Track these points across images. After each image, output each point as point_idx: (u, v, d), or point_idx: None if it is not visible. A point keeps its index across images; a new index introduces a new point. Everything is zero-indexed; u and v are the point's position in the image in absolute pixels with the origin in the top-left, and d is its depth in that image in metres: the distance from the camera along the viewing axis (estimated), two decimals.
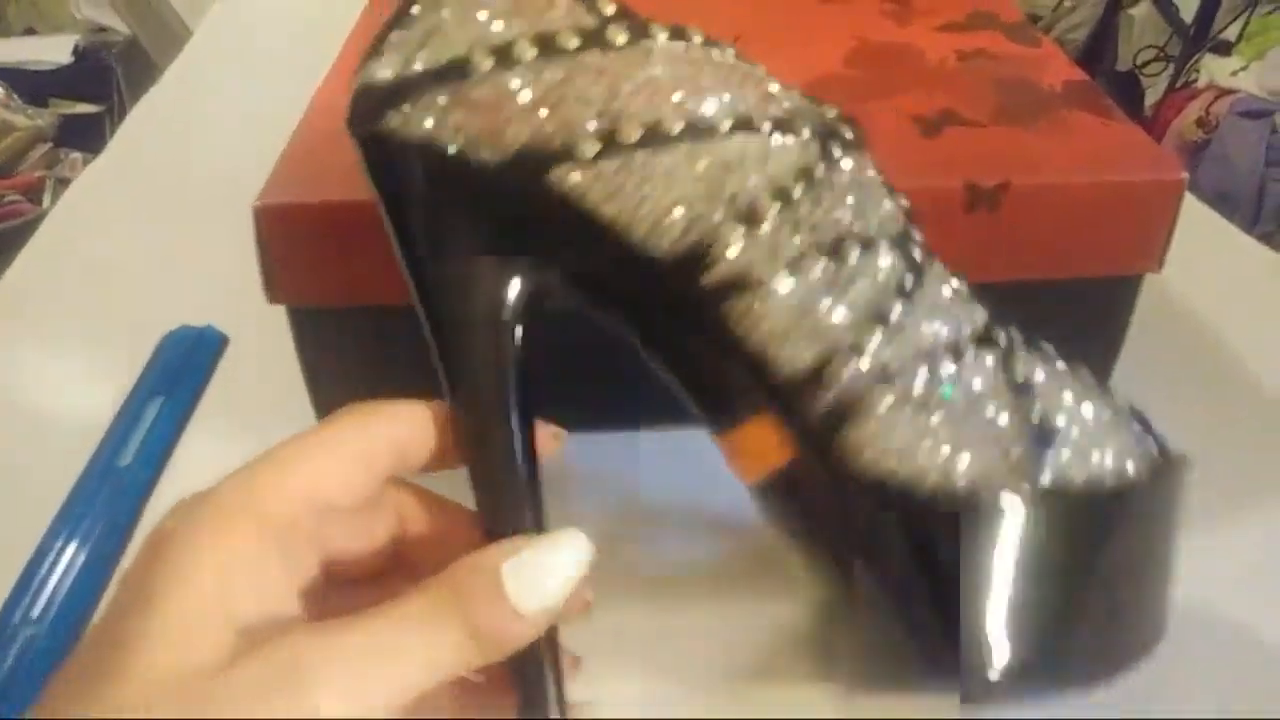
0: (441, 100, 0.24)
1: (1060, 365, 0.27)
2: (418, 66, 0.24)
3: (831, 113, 0.26)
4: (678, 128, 0.24)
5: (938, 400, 0.24)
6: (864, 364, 0.24)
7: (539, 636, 0.22)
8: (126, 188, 0.58)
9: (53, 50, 1.65)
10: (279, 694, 0.18)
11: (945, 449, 0.24)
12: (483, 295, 0.24)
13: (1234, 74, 1.25)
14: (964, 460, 0.24)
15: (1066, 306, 0.37)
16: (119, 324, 0.47)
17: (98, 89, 1.63)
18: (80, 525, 0.37)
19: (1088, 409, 0.26)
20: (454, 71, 0.24)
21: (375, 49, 0.24)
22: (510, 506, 0.24)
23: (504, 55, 0.24)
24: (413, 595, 0.20)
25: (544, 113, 0.24)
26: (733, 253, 0.24)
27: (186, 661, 0.19)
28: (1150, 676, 0.28)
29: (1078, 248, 0.36)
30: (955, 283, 0.27)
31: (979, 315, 0.26)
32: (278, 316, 0.37)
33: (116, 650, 0.19)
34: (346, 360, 0.37)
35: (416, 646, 0.20)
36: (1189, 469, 0.27)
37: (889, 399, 0.24)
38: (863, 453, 0.24)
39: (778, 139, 0.25)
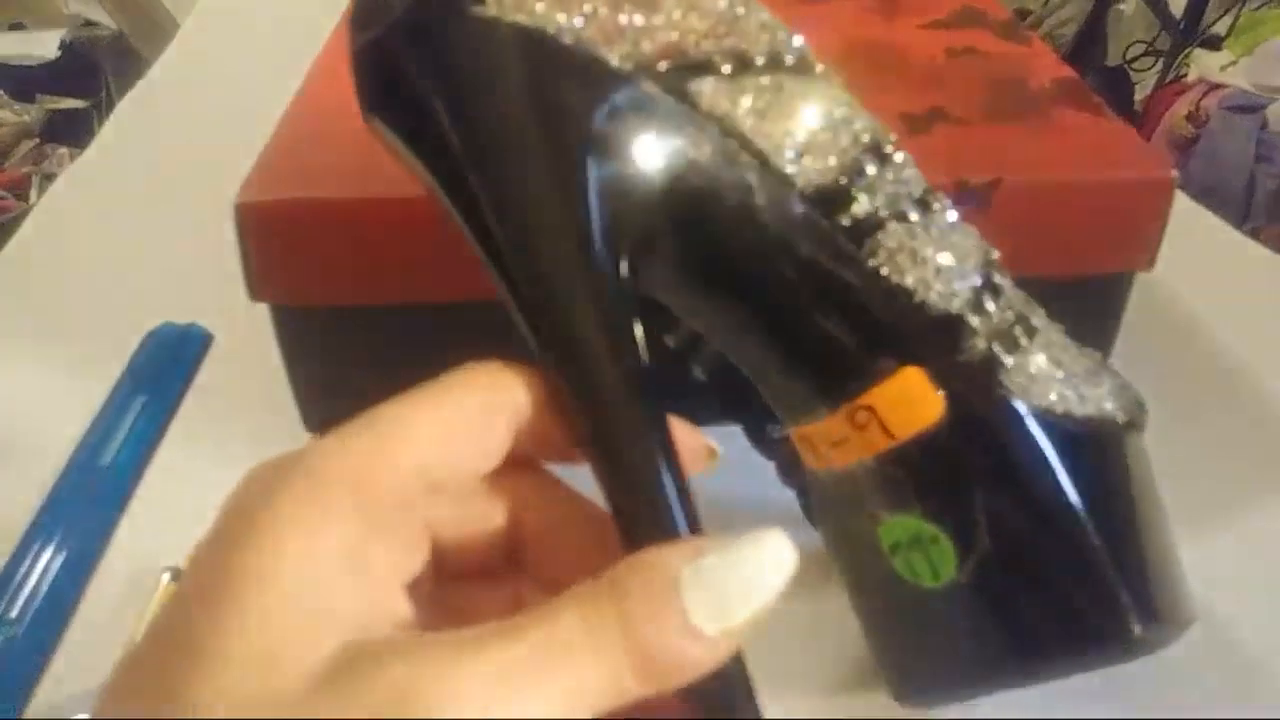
0: None
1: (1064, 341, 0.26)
2: None
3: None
4: (809, 55, 0.23)
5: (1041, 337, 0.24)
6: (985, 320, 0.23)
7: (727, 660, 0.17)
8: (112, 184, 0.58)
9: (40, 45, 1.64)
10: None
11: (1088, 385, 0.24)
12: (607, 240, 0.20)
13: (1223, 69, 1.25)
14: (1104, 396, 0.24)
15: (1058, 304, 0.37)
16: (102, 321, 0.46)
17: (85, 84, 1.62)
18: (60, 525, 0.36)
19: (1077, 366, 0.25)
20: None
21: None
22: (661, 509, 0.19)
23: None
24: (559, 607, 0.16)
25: (680, 15, 0.21)
26: (874, 187, 0.23)
27: (269, 687, 0.15)
28: (1132, 675, 0.28)
29: (1069, 245, 0.35)
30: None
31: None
32: (264, 315, 0.36)
33: (186, 663, 0.15)
34: (331, 360, 0.37)
35: (563, 676, 0.15)
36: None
37: (1026, 339, 0.23)
38: (1030, 382, 0.23)
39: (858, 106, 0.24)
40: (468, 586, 0.20)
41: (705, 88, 0.21)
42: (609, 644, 0.16)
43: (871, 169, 0.22)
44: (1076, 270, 0.36)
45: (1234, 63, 1.24)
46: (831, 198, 0.22)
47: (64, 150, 1.58)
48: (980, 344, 0.23)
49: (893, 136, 0.23)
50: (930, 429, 0.22)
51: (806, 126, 0.22)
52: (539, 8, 0.20)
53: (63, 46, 1.64)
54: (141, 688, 0.16)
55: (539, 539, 0.20)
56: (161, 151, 0.60)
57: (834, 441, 0.23)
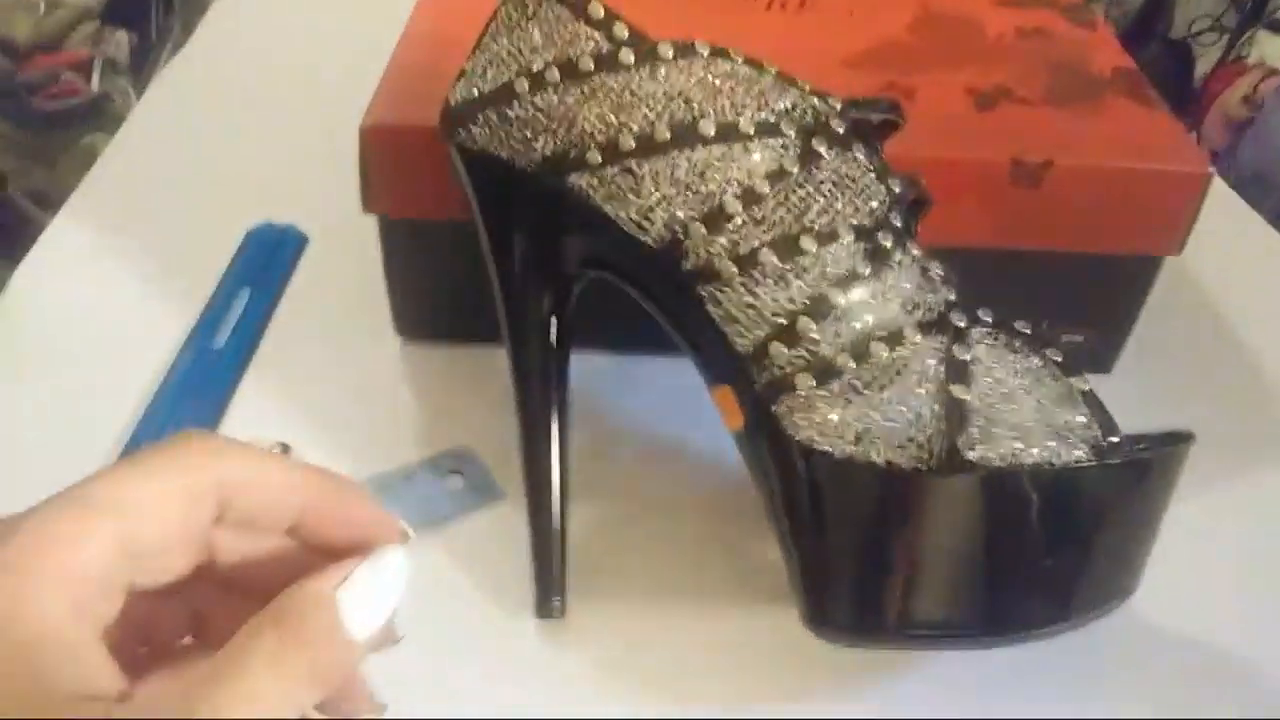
0: (493, 119, 0.31)
1: (1017, 348, 0.29)
2: (478, 91, 0.31)
3: (836, 105, 0.30)
4: (665, 136, 0.28)
5: (861, 385, 0.28)
6: (797, 351, 0.28)
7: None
8: (209, 85, 0.61)
9: None
10: None
11: (860, 427, 0.27)
12: (535, 260, 0.32)
13: None
14: (876, 437, 0.27)
15: (1090, 280, 0.41)
16: (205, 219, 0.50)
17: None
18: (180, 400, 0.41)
19: (1028, 394, 0.28)
20: (502, 95, 0.31)
21: (459, 74, 0.32)
22: (538, 435, 0.33)
23: (537, 80, 0.30)
24: (253, 638, 0.20)
25: (563, 128, 0.30)
26: (700, 247, 0.29)
27: None
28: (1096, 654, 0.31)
29: (1107, 226, 0.39)
30: (931, 266, 0.30)
31: (941, 300, 0.29)
32: (354, 221, 0.40)
33: None
34: (429, 270, 0.41)
35: (271, 693, 0.19)
36: (1154, 453, 0.29)
37: (812, 383, 0.28)
38: (791, 423, 0.28)
39: (756, 144, 0.28)
40: (153, 603, 0.22)
41: (581, 180, 0.30)
42: (300, 662, 0.19)
43: (700, 231, 0.29)
44: (1112, 249, 0.39)
45: None
46: (673, 251, 0.29)
47: (123, 33, 1.60)
48: (762, 382, 0.29)
49: (736, 206, 0.29)
50: (740, 432, 0.30)
51: (644, 203, 0.29)
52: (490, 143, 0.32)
53: None
54: None
55: (227, 570, 0.23)
56: (255, 59, 0.63)
57: (721, 409, 0.30)
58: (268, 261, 0.48)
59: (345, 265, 0.46)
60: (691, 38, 0.30)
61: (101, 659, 0.20)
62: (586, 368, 0.42)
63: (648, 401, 0.41)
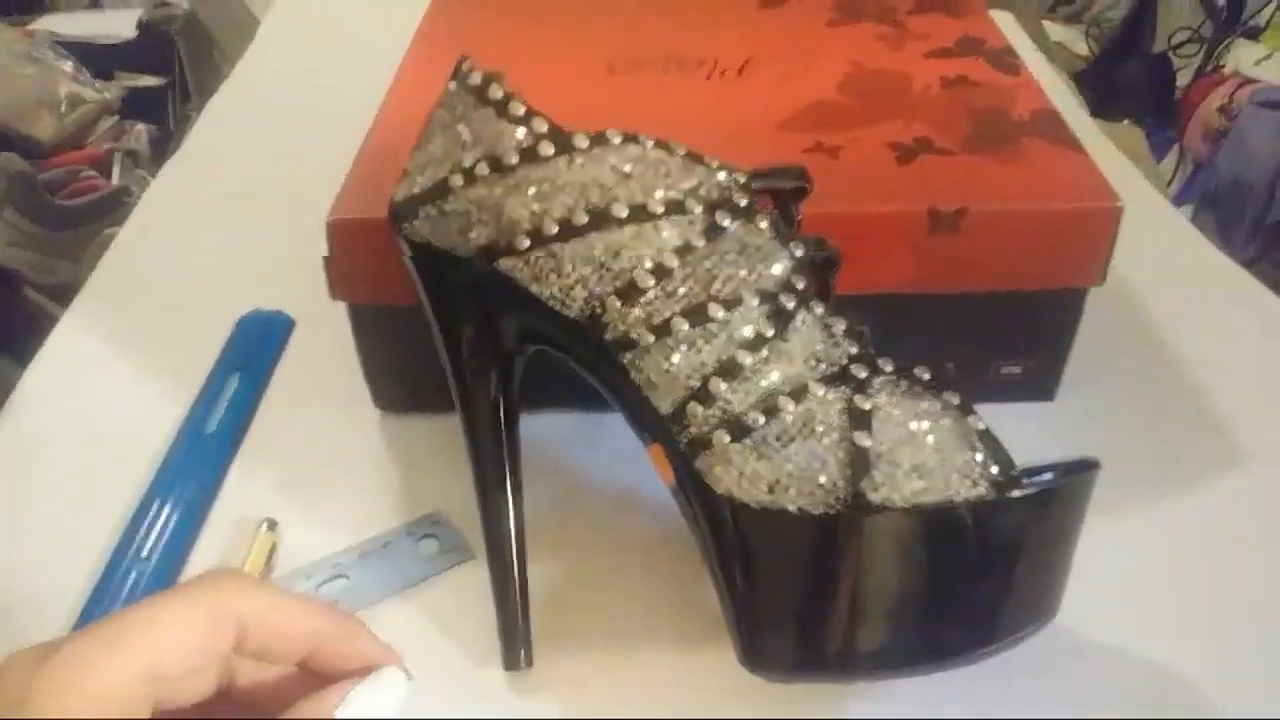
0: (432, 213, 0.34)
1: (916, 393, 0.31)
2: (418, 189, 0.34)
3: (741, 179, 0.32)
4: (582, 220, 0.31)
5: (771, 438, 0.30)
6: (712, 410, 0.30)
7: None
8: (202, 185, 0.65)
9: (117, 25, 1.73)
10: None
11: (772, 477, 0.30)
12: (478, 339, 0.35)
13: (1257, 63, 1.26)
14: (788, 486, 0.30)
15: (1020, 315, 0.43)
16: (200, 308, 0.53)
17: (160, 62, 1.70)
18: (175, 484, 0.44)
19: (926, 437, 0.30)
20: (438, 190, 0.33)
21: (403, 173, 0.35)
22: (494, 498, 0.35)
23: (469, 176, 0.33)
24: None
25: (493, 217, 0.32)
26: (617, 320, 0.31)
27: None
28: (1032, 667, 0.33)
29: (1027, 265, 0.41)
30: (834, 323, 0.32)
31: (843, 354, 0.31)
32: (338, 306, 0.43)
33: None
34: (397, 349, 0.44)
35: None
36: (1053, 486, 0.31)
37: (727, 439, 0.30)
38: (712, 477, 0.30)
39: (664, 221, 0.31)
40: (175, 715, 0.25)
41: (510, 264, 0.33)
42: None
43: (616, 305, 0.31)
44: (1034, 285, 0.41)
45: (1268, 57, 1.25)
46: (595, 324, 0.32)
47: (141, 127, 1.66)
48: (684, 441, 0.31)
49: (649, 280, 0.31)
50: (673, 486, 0.32)
51: (566, 282, 0.32)
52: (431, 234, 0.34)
53: (139, 26, 1.73)
54: None
55: (245, 692, 0.26)
56: (245, 154, 0.67)
57: (656, 466, 0.33)
58: (258, 346, 0.51)
59: (329, 345, 0.49)
60: (618, 113, 0.33)
61: None
62: (550, 426, 0.45)
63: (607, 456, 0.44)
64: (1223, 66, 1.36)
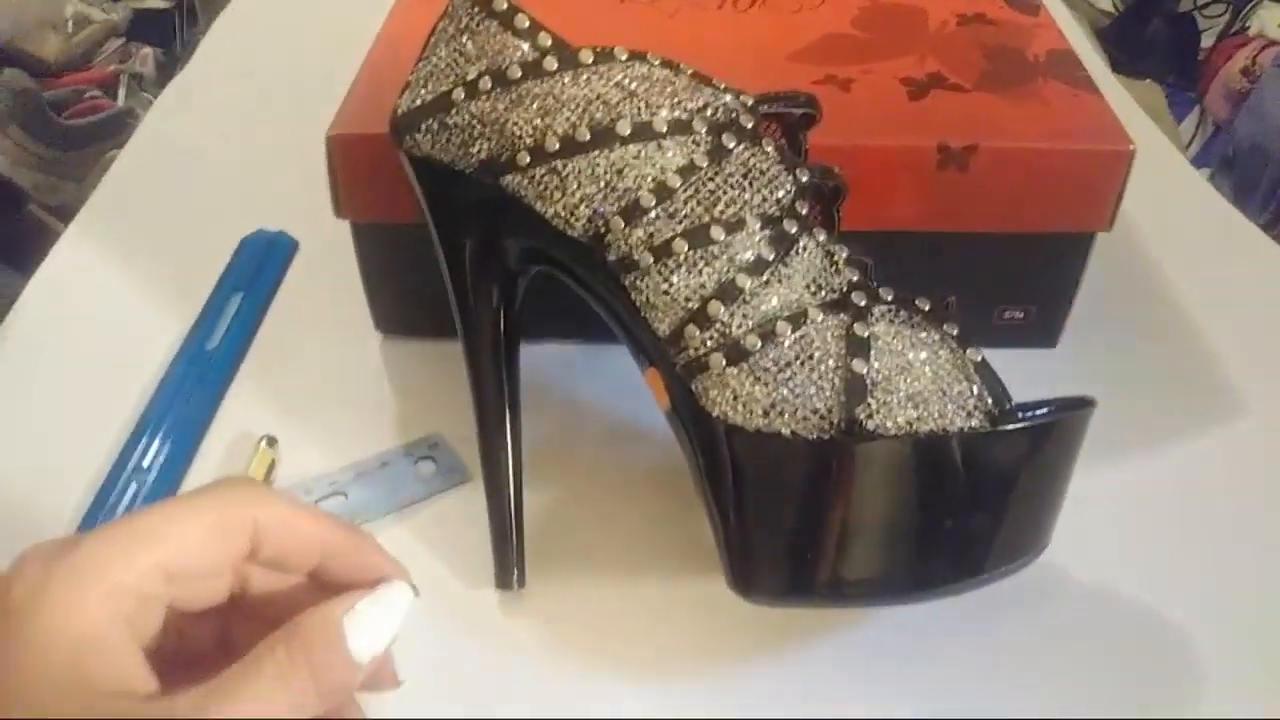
0: (435, 126, 0.33)
1: (915, 323, 0.31)
2: (420, 101, 0.33)
3: (748, 101, 0.32)
4: (585, 137, 0.31)
5: (768, 363, 0.30)
6: (709, 333, 0.30)
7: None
8: (206, 107, 0.64)
9: None
10: None
11: (768, 401, 0.30)
12: (480, 257, 0.34)
13: None
14: (783, 410, 0.30)
15: (1026, 258, 0.42)
16: (204, 227, 0.53)
17: None
18: (175, 399, 0.44)
19: (923, 367, 0.30)
20: (441, 103, 0.33)
21: (405, 85, 0.34)
22: (492, 419, 0.35)
23: (471, 89, 0.32)
24: (266, 652, 0.23)
25: (496, 132, 0.32)
26: (620, 240, 0.31)
27: None
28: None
29: (1035, 206, 0.40)
30: (836, 250, 0.32)
31: (844, 281, 0.31)
32: (342, 226, 0.43)
33: None
34: (400, 269, 0.44)
35: (277, 700, 0.22)
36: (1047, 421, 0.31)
37: (724, 363, 0.30)
38: (708, 400, 0.30)
39: (669, 141, 0.31)
40: (189, 621, 0.26)
41: (513, 181, 0.32)
42: (303, 678, 0.23)
43: (620, 225, 0.31)
44: (1041, 227, 0.41)
45: None
46: (598, 243, 0.32)
47: (148, 50, 1.65)
48: (680, 363, 0.31)
49: (651, 200, 0.31)
50: (669, 411, 0.32)
51: (569, 200, 0.32)
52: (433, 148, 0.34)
53: None
54: None
55: (255, 600, 0.27)
56: (251, 76, 0.66)
57: (653, 391, 0.33)
58: (260, 266, 0.51)
59: (333, 267, 0.48)
60: (628, 40, 0.33)
61: (137, 662, 0.23)
62: (552, 355, 0.45)
63: (608, 387, 0.44)
64: (1248, 28, 1.33)
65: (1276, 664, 0.35)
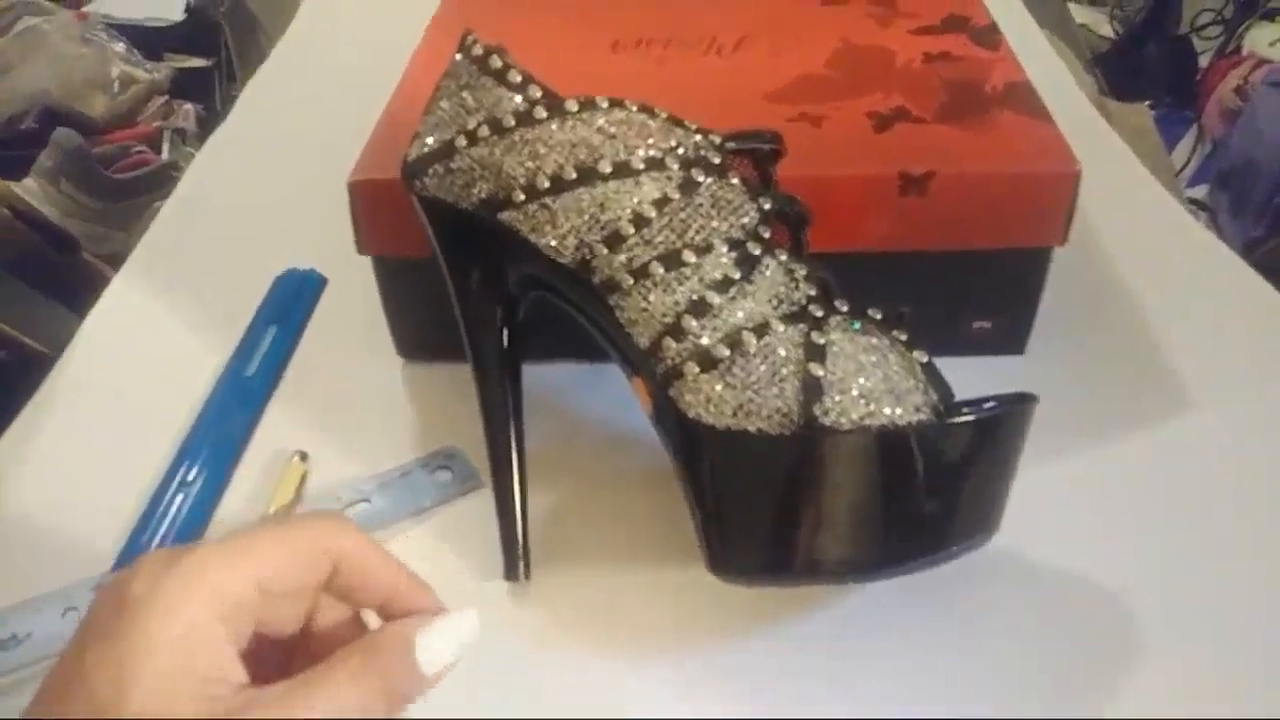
0: (440, 170, 0.38)
1: (868, 331, 0.35)
2: (427, 149, 0.38)
3: (716, 139, 0.36)
4: (572, 176, 0.35)
5: (736, 368, 0.34)
6: (684, 344, 0.34)
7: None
8: (242, 158, 0.70)
9: (167, 8, 1.79)
10: None
11: (736, 403, 0.33)
12: (484, 284, 0.39)
13: (1272, 44, 1.27)
14: (749, 410, 0.33)
15: (987, 273, 0.46)
16: (241, 267, 0.58)
17: (207, 44, 1.76)
18: (218, 420, 0.48)
19: (875, 369, 0.33)
20: (445, 150, 0.37)
21: (414, 136, 0.39)
22: (499, 426, 0.39)
23: (472, 137, 0.37)
24: (343, 659, 0.26)
25: (493, 174, 0.37)
26: (604, 265, 0.35)
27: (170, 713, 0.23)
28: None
29: (991, 225, 0.44)
30: (796, 269, 0.35)
31: (803, 295, 0.35)
32: (364, 262, 0.48)
33: (96, 706, 0.23)
34: (419, 301, 0.48)
35: (350, 702, 0.25)
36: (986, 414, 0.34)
37: (697, 369, 0.34)
38: (684, 403, 0.34)
39: (645, 177, 0.35)
40: (264, 647, 0.28)
41: (509, 216, 0.37)
42: (374, 684, 0.26)
43: (604, 251, 0.35)
44: (998, 244, 0.45)
45: None
46: (585, 268, 0.36)
47: (189, 106, 1.72)
48: (660, 372, 0.35)
49: (630, 229, 0.35)
50: (652, 415, 0.36)
51: (559, 231, 0.36)
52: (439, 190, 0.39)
53: (187, 9, 1.79)
54: (64, 700, 0.24)
55: (318, 635, 0.29)
56: (281, 129, 0.72)
57: (639, 397, 0.36)
58: (292, 301, 0.56)
59: (357, 299, 0.53)
60: (620, 85, 0.37)
61: (232, 655, 0.26)
62: (556, 373, 0.49)
63: (607, 399, 0.48)
64: (1241, 48, 1.36)
65: (1205, 626, 0.38)
